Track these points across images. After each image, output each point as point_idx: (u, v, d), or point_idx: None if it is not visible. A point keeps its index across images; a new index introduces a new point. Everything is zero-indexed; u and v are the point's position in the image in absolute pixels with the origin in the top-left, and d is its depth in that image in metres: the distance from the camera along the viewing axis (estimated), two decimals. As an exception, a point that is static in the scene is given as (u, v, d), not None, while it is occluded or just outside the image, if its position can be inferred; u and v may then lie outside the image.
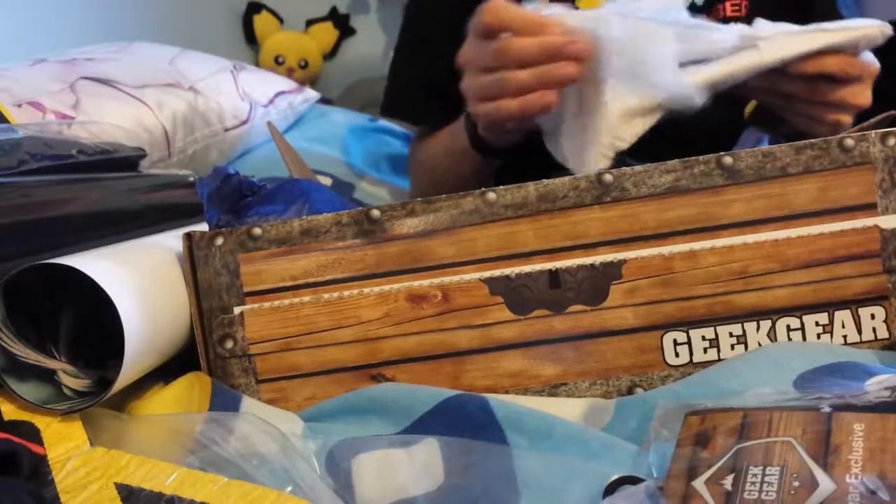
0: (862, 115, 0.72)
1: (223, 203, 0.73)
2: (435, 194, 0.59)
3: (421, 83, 1.02)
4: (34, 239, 0.59)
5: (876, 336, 0.57)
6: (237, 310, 0.59)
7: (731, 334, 0.57)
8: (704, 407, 0.49)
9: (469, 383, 0.58)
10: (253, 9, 2.27)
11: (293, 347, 0.59)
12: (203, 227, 0.67)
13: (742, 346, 0.57)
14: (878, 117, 0.67)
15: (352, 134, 1.29)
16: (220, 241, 0.59)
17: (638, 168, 0.58)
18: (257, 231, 0.59)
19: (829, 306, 0.57)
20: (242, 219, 0.71)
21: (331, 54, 2.32)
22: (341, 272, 0.59)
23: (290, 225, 0.59)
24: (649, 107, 0.66)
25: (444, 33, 1.00)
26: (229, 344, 0.59)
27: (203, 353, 0.59)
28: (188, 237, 0.59)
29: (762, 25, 0.69)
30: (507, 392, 0.58)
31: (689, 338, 0.57)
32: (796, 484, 0.41)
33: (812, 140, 0.57)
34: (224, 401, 0.56)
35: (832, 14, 0.96)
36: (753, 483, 0.42)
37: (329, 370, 0.59)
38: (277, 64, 2.21)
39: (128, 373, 0.53)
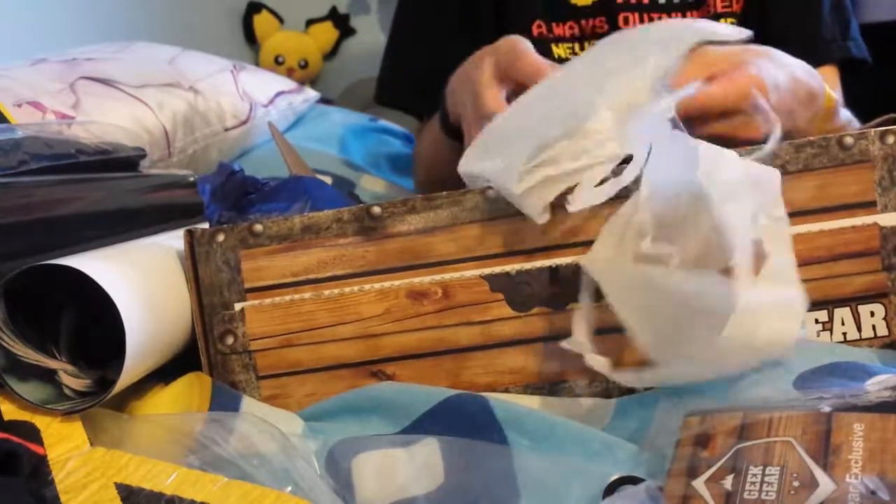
0: (865, 117, 0.72)
1: (226, 200, 0.73)
2: (428, 187, 0.59)
3: (413, 71, 1.03)
4: (34, 239, 0.58)
5: (875, 333, 0.57)
6: (238, 306, 0.59)
7: (731, 333, 0.57)
8: (704, 407, 0.49)
9: (469, 380, 0.58)
10: (253, 9, 2.27)
11: (294, 344, 0.59)
12: (203, 226, 0.67)
13: (742, 344, 0.57)
14: (879, 119, 0.67)
15: (352, 134, 1.29)
16: (221, 237, 0.59)
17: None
18: (258, 227, 0.59)
19: (829, 304, 0.57)
20: (245, 216, 0.71)
21: (331, 54, 2.32)
22: (342, 269, 0.59)
23: (291, 221, 0.59)
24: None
25: (437, 21, 1.00)
26: (230, 340, 0.59)
27: (203, 349, 0.59)
28: (189, 234, 0.59)
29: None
30: (507, 389, 0.58)
31: (689, 336, 0.57)
32: (796, 484, 0.41)
33: (811, 138, 0.57)
34: (224, 401, 0.56)
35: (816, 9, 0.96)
36: (753, 483, 0.42)
37: (329, 366, 0.59)
38: (277, 64, 2.21)
39: (129, 373, 0.53)
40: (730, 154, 0.53)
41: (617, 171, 0.54)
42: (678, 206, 0.50)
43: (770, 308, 0.48)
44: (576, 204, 0.55)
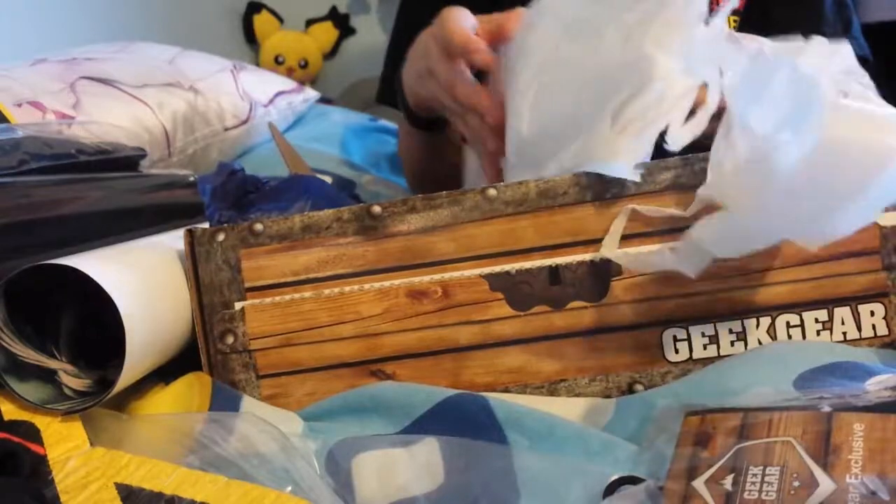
0: None
1: (226, 200, 0.73)
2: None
3: None
4: (34, 239, 0.59)
5: (875, 333, 0.57)
6: (238, 305, 0.59)
7: (730, 331, 0.57)
8: (704, 407, 0.49)
9: (469, 379, 0.58)
10: (253, 9, 2.27)
11: (294, 343, 0.59)
12: (203, 226, 0.67)
13: (741, 342, 0.57)
14: None
15: (352, 133, 1.30)
16: (221, 236, 0.59)
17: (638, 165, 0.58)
18: (259, 227, 0.59)
19: (829, 303, 0.57)
20: (245, 215, 0.71)
21: (331, 54, 2.32)
22: (342, 268, 0.59)
23: (292, 221, 0.59)
24: None
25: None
26: (230, 339, 0.59)
27: (204, 348, 0.59)
28: (189, 233, 0.59)
29: None
30: (507, 388, 0.58)
31: (688, 334, 0.57)
32: (796, 484, 0.41)
33: None
34: (224, 401, 0.56)
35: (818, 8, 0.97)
36: (753, 483, 0.42)
37: (329, 366, 0.59)
38: (277, 64, 2.21)
39: (129, 373, 0.53)
40: (794, 39, 0.54)
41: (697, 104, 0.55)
42: (769, 101, 0.51)
43: (859, 119, 0.50)
44: (675, 144, 0.55)
